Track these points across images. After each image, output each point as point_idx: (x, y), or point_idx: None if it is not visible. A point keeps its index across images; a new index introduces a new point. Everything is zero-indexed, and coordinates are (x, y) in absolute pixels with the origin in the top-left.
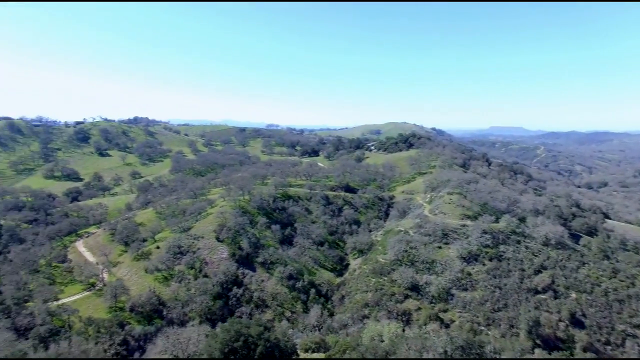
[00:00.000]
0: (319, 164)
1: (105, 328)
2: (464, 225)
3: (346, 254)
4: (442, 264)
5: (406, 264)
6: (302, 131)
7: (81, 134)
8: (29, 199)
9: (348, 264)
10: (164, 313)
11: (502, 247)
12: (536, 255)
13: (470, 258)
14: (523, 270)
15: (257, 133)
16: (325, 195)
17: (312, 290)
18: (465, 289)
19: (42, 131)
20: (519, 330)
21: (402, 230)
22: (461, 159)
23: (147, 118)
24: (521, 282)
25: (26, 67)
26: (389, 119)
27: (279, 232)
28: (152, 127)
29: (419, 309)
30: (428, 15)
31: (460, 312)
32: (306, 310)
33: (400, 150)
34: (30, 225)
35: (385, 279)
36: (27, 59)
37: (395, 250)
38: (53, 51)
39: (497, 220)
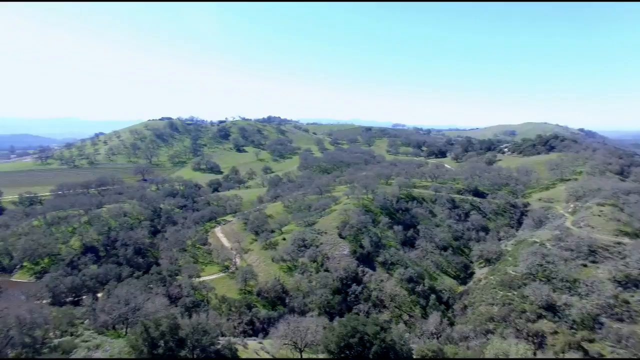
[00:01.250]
0: (446, 165)
1: (235, 307)
2: (619, 243)
3: (471, 262)
4: (587, 285)
5: (541, 280)
6: (429, 131)
7: (223, 132)
8: (181, 188)
9: (473, 273)
10: (287, 301)
11: None
12: None
13: (629, 283)
14: None
15: (383, 133)
16: (451, 198)
17: (433, 296)
18: (621, 320)
19: (193, 129)
20: None
21: (537, 242)
22: (617, 164)
23: (279, 117)
24: None
25: (179, 68)
26: (526, 119)
27: (401, 233)
28: (283, 125)
29: (556, 332)
30: None
31: (614, 346)
32: (425, 315)
33: (539, 154)
34: (181, 210)
35: (515, 293)
36: (182, 60)
37: (528, 263)
38: (207, 52)
39: None
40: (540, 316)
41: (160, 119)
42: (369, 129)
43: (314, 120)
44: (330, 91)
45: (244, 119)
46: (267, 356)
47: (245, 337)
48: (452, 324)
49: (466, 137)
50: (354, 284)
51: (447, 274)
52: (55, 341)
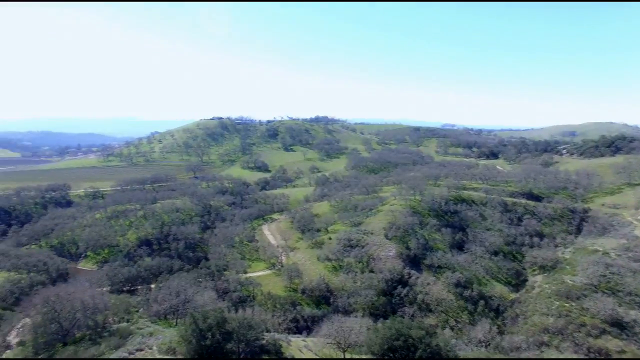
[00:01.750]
0: (498, 167)
1: (280, 304)
2: None
3: (524, 269)
4: None
5: (604, 292)
6: (479, 132)
7: (271, 131)
8: (231, 185)
9: (526, 280)
10: (331, 300)
11: None
12: None
13: None
14: None
15: (431, 133)
16: (503, 202)
17: (481, 302)
18: None
19: (242, 128)
20: None
21: (599, 251)
22: None
23: (326, 117)
24: None
25: (230, 68)
26: (589, 119)
27: (450, 236)
28: (331, 125)
29: (623, 351)
30: None
31: None
32: (473, 322)
33: (602, 156)
34: (230, 207)
35: (574, 304)
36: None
37: (588, 273)
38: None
39: None
40: (603, 332)
41: (211, 119)
42: (417, 129)
43: (362, 120)
44: (378, 91)
45: (291, 118)
46: (310, 354)
47: (289, 334)
48: (501, 333)
49: (520, 137)
50: (400, 286)
51: (497, 280)
52: (114, 326)
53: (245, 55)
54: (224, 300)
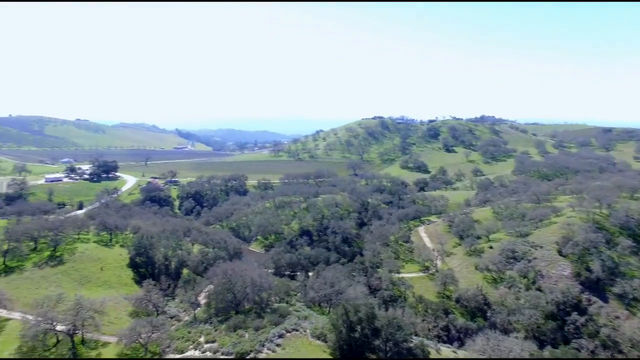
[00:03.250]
0: None
1: (432, 310)
2: None
3: None
4: None
5: None
6: None
7: (432, 131)
8: (388, 185)
9: None
10: (488, 314)
11: None
12: None
13: None
14: None
15: (628, 135)
16: None
17: None
18: None
19: (403, 128)
20: None
21: None
22: None
23: (493, 117)
24: None
25: (389, 66)
26: None
27: None
28: (497, 125)
29: None
30: None
31: None
32: None
33: None
34: (387, 206)
35: None
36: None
37: None
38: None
39: None
40: None
41: (372, 118)
42: (608, 130)
43: (534, 120)
44: (556, 86)
45: (454, 118)
46: None
47: (438, 341)
48: None
49: None
50: (575, 313)
51: None
52: (275, 305)
53: (406, 52)
54: (374, 297)
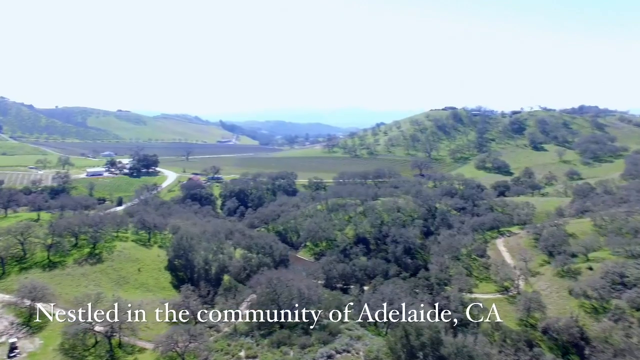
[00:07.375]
0: None
1: (511, 340)
2: None
3: None
4: None
5: None
6: None
7: (516, 125)
8: (461, 187)
9: None
10: (586, 352)
11: None
12: None
13: None
14: None
15: None
16: None
17: None
18: None
19: (479, 120)
20: None
21: None
22: None
23: (596, 107)
24: None
25: (466, 49)
26: None
27: None
28: (602, 118)
29: None
30: None
31: None
32: None
33: None
34: (459, 213)
35: None
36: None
37: None
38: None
39: None
40: None
41: (443, 109)
42: None
43: None
44: None
45: (545, 109)
46: None
47: None
48: None
49: None
50: None
51: None
52: (325, 321)
53: (483, 29)
54: (440, 319)
